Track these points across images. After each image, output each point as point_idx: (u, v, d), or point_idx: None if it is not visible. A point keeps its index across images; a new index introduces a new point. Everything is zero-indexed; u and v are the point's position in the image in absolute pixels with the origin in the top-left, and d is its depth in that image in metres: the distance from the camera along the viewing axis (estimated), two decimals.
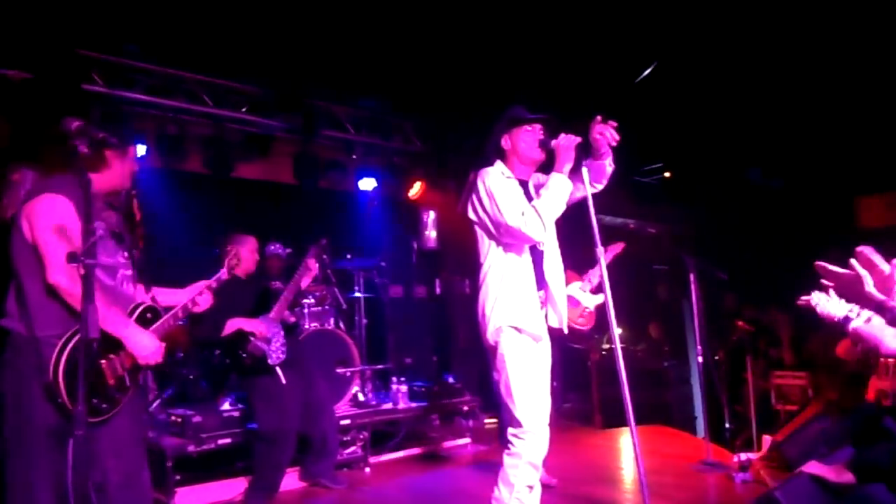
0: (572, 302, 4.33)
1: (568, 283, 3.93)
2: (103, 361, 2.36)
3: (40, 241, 2.30)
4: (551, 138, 2.91)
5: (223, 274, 3.06)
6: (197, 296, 2.90)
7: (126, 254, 2.60)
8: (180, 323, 2.91)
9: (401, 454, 5.48)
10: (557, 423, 7.26)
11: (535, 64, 5.98)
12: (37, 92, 4.56)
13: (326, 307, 5.56)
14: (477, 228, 2.99)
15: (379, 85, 6.42)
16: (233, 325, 4.15)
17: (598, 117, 2.83)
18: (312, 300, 5.46)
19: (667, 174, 8.34)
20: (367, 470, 5.07)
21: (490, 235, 2.93)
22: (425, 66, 5.96)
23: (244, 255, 4.24)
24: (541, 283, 2.95)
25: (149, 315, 2.62)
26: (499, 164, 3.01)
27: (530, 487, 2.83)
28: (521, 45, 5.77)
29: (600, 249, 2.86)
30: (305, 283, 4.55)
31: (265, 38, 5.43)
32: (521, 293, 2.89)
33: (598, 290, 4.58)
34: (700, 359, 5.03)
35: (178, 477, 4.26)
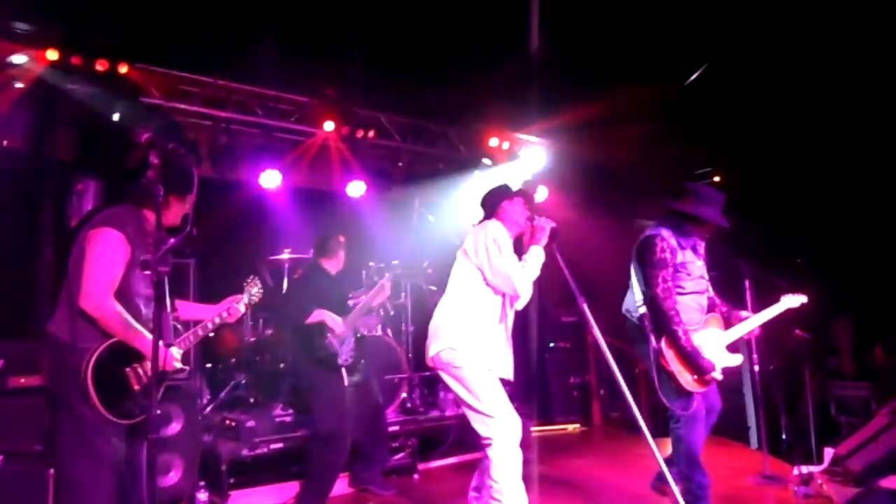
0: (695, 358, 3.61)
1: (705, 328, 3.75)
2: (128, 369, 2.55)
3: (85, 269, 2.52)
4: (534, 215, 3.47)
5: (243, 298, 3.26)
6: (226, 309, 3.11)
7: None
8: (209, 335, 3.13)
9: (449, 461, 5.47)
10: (605, 433, 7.21)
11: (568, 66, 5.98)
12: (100, 106, 4.73)
13: (374, 314, 5.60)
14: (467, 265, 3.43)
15: (423, 92, 6.47)
16: (319, 315, 4.28)
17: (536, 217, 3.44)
18: None
19: (716, 178, 8.14)
20: (416, 476, 5.08)
21: (482, 275, 3.38)
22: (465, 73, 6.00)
23: (341, 257, 4.60)
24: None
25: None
26: (498, 222, 3.48)
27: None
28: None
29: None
30: (377, 302, 4.74)
31: (314, 48, 5.54)
32: (491, 333, 3.38)
33: (734, 349, 3.83)
34: (756, 367, 4.88)
35: (232, 480, 4.35)
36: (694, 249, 3.75)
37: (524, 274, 3.35)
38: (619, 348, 4.47)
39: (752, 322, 3.82)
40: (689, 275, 3.70)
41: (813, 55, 5.87)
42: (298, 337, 4.43)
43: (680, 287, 3.69)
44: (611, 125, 6.79)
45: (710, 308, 3.85)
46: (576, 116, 6.83)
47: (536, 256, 3.41)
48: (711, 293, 3.91)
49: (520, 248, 3.50)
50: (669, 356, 3.62)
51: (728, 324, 3.86)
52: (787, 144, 7.20)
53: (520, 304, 3.55)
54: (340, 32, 5.45)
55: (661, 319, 3.60)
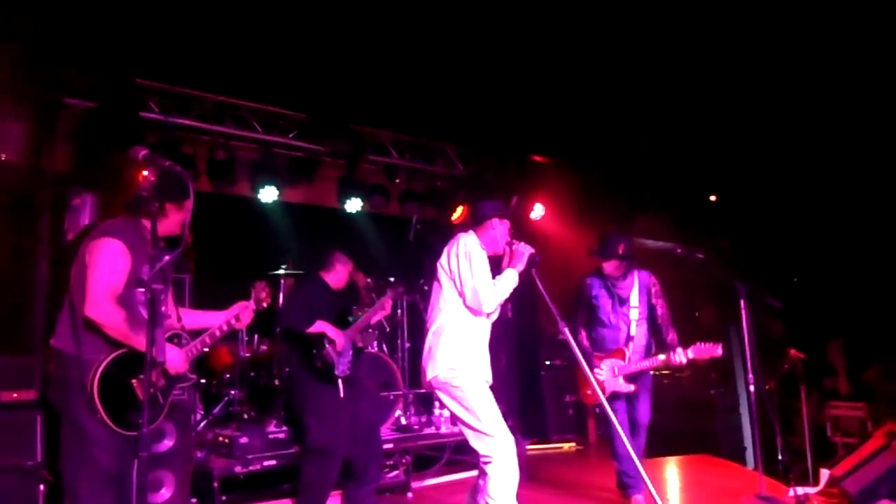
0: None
1: (611, 357, 4.42)
2: (134, 381, 2.54)
3: (88, 278, 2.54)
4: (514, 240, 3.53)
5: (252, 304, 3.26)
6: (236, 314, 3.11)
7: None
8: (214, 341, 3.11)
9: (443, 479, 5.43)
10: (601, 451, 7.16)
11: (568, 87, 6.03)
12: (99, 120, 4.75)
13: (370, 330, 5.59)
14: (444, 278, 3.47)
15: (421, 110, 6.51)
16: (320, 326, 4.29)
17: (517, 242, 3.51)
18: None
19: (712, 198, 8.18)
20: (410, 495, 5.03)
21: (455, 289, 3.41)
22: (465, 90, 6.03)
23: (342, 272, 4.64)
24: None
25: (174, 340, 2.87)
26: (474, 236, 3.51)
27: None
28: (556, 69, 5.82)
29: None
30: (376, 319, 4.77)
31: (312, 65, 5.57)
32: (480, 346, 3.43)
33: (631, 379, 4.39)
34: (752, 387, 4.86)
35: (224, 498, 4.30)
36: (608, 289, 4.46)
37: (492, 291, 3.36)
38: None
39: (643, 364, 4.36)
40: (599, 307, 4.48)
41: (805, 68, 5.92)
42: (296, 346, 4.41)
43: (597, 318, 4.50)
44: (608, 144, 6.84)
45: (626, 343, 4.44)
46: (576, 135, 6.88)
47: (509, 279, 3.43)
48: (634, 332, 4.42)
49: (497, 270, 3.53)
50: (579, 372, 4.35)
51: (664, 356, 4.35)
52: (784, 166, 7.27)
53: (493, 317, 3.58)
54: (339, 50, 5.48)
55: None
